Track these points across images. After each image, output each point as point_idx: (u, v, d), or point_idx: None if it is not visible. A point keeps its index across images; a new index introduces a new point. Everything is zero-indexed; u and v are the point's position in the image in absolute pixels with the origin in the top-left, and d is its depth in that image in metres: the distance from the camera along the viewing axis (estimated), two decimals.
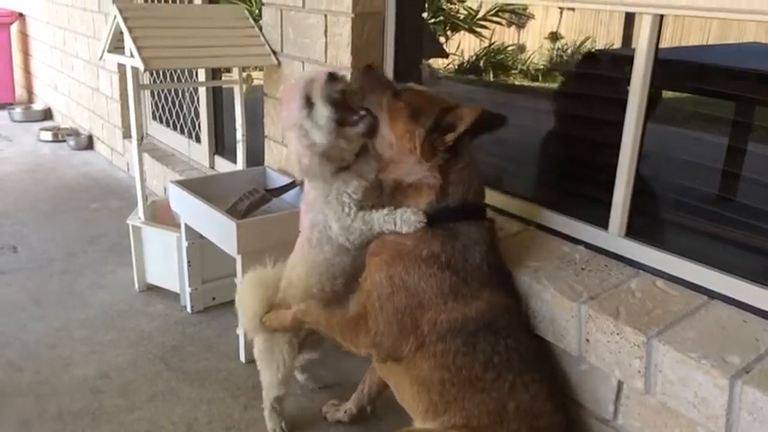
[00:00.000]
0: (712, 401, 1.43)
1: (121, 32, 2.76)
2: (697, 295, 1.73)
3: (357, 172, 1.82)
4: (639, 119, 1.82)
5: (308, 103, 1.75)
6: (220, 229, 2.40)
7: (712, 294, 1.71)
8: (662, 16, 1.74)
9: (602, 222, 1.96)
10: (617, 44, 2.54)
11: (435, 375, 1.68)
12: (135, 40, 2.66)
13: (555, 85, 4.00)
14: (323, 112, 1.73)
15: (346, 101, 1.76)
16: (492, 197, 2.27)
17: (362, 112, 1.76)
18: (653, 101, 1.83)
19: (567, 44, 4.05)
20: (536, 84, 4.23)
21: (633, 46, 1.84)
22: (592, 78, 2.37)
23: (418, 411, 1.74)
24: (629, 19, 2.35)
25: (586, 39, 3.86)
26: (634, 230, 1.91)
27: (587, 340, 1.69)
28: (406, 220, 1.72)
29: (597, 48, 3.25)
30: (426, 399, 1.70)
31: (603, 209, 1.95)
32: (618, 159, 1.89)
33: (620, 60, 2.10)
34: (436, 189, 1.72)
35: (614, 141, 1.89)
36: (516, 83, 4.50)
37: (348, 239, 1.83)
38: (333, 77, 1.76)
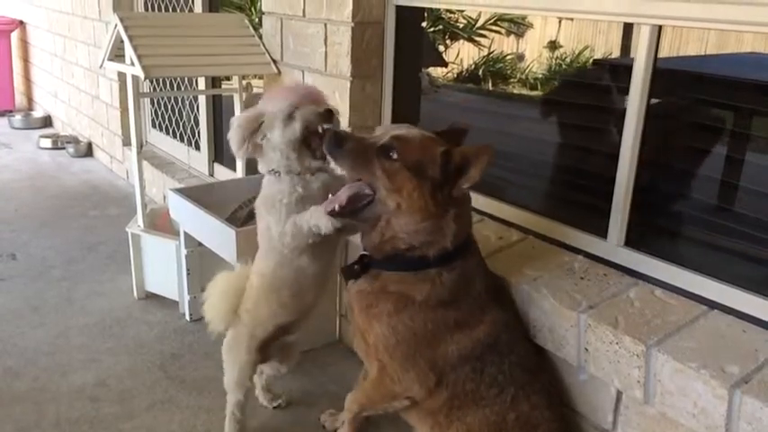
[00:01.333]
0: (711, 411, 1.43)
1: (122, 41, 2.77)
2: (696, 305, 1.73)
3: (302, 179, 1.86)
4: (638, 128, 1.82)
5: (290, 116, 1.80)
6: (220, 237, 2.40)
7: (712, 304, 1.71)
8: (660, 27, 1.75)
9: (602, 232, 1.96)
10: (615, 53, 2.55)
11: (446, 404, 1.69)
12: (135, 48, 2.67)
13: (554, 94, 4.01)
14: (294, 131, 1.80)
15: (320, 139, 1.76)
16: (491, 206, 2.29)
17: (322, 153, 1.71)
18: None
19: (565, 53, 4.07)
20: (535, 93, 4.24)
21: (632, 56, 1.85)
22: (590, 87, 2.38)
23: (423, 430, 1.76)
24: (628, 29, 2.37)
25: (585, 48, 3.87)
26: (633, 240, 1.92)
27: (586, 350, 1.69)
28: (319, 221, 1.72)
29: (596, 57, 3.27)
30: (432, 420, 1.73)
31: (602, 218, 1.96)
32: (617, 168, 1.89)
33: (619, 70, 2.11)
34: (442, 239, 1.61)
35: (614, 150, 1.89)
36: (515, 92, 4.52)
37: (283, 244, 1.84)
38: (329, 114, 1.83)
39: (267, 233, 1.91)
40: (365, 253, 1.73)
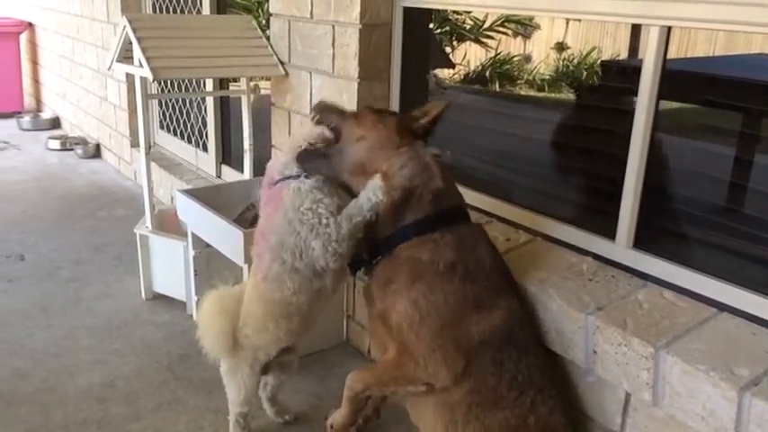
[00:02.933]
0: (721, 414, 1.43)
1: (131, 43, 2.78)
2: (705, 307, 1.72)
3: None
4: (647, 130, 1.82)
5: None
6: (227, 238, 2.41)
7: (721, 306, 1.70)
8: (669, 28, 1.74)
9: (610, 233, 1.96)
10: (623, 55, 2.54)
11: (466, 398, 1.66)
12: (144, 50, 2.68)
13: (561, 96, 4.00)
14: None
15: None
16: (499, 208, 2.28)
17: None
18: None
19: (573, 54, 4.06)
20: (542, 94, 4.23)
21: (640, 56, 1.84)
22: (598, 89, 2.38)
23: (436, 430, 1.73)
24: (636, 29, 2.36)
25: (592, 49, 3.86)
26: (642, 241, 1.91)
27: (595, 351, 1.68)
28: (376, 187, 1.71)
29: (603, 58, 3.26)
30: (447, 418, 1.69)
31: (611, 220, 1.95)
32: (625, 170, 1.88)
33: (628, 71, 2.10)
34: (436, 189, 1.74)
35: (622, 152, 1.89)
36: (522, 93, 4.51)
37: (337, 252, 1.75)
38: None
39: (280, 257, 1.82)
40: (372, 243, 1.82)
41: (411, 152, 1.75)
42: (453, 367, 1.65)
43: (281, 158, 1.88)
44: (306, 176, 1.81)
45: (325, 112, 1.89)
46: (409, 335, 1.68)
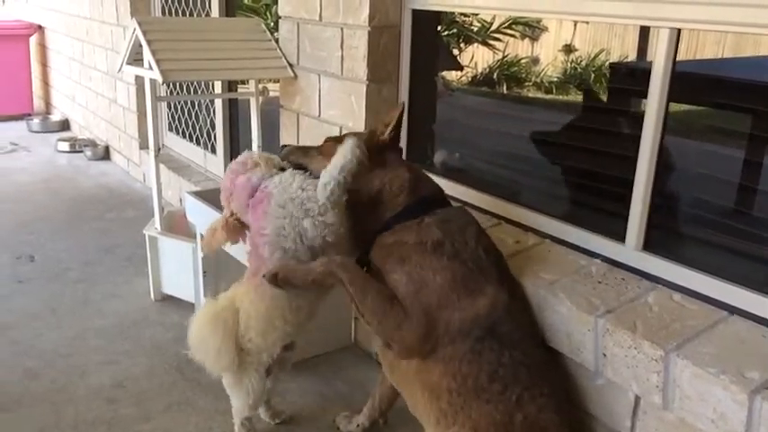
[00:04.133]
0: (731, 417, 1.42)
1: (140, 45, 2.79)
2: (716, 310, 1.71)
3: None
4: (657, 132, 1.81)
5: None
6: None
7: (731, 309, 1.70)
8: (679, 30, 1.74)
9: (620, 236, 1.95)
10: (631, 57, 2.54)
11: (443, 382, 1.67)
12: (154, 52, 2.69)
13: (569, 98, 3.99)
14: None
15: None
16: (507, 210, 2.28)
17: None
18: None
19: (581, 56, 4.06)
20: (549, 96, 4.23)
21: (649, 59, 1.84)
22: (607, 91, 2.37)
23: (430, 422, 1.73)
24: (644, 31, 2.35)
25: (600, 51, 3.86)
26: (651, 244, 1.90)
27: (604, 354, 1.68)
28: (346, 149, 1.77)
29: (612, 60, 3.25)
30: (436, 407, 1.70)
31: (620, 222, 1.95)
32: (635, 172, 1.88)
33: (637, 73, 2.10)
34: (406, 183, 1.85)
35: (631, 154, 1.89)
36: (530, 95, 4.51)
37: (325, 223, 1.79)
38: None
39: (280, 246, 1.82)
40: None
41: (385, 171, 1.88)
42: (422, 342, 1.68)
43: (256, 173, 1.95)
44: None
45: (290, 154, 2.05)
46: (404, 300, 1.70)
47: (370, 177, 1.86)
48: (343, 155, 1.77)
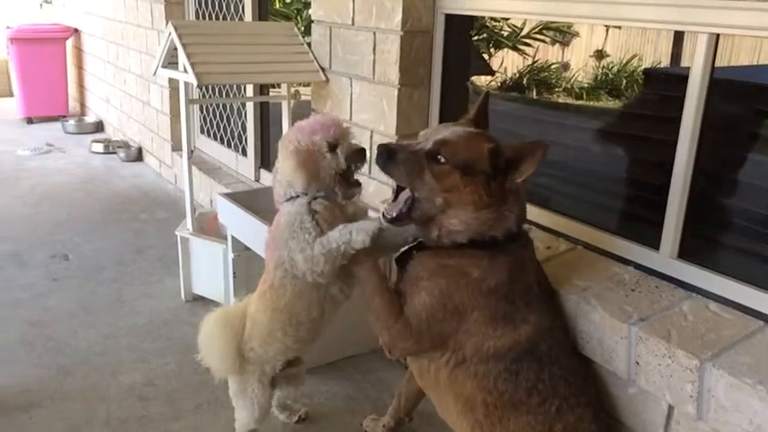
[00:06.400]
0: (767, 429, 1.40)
1: (175, 48, 2.84)
2: (752, 319, 1.68)
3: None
4: (694, 138, 1.79)
5: (332, 146, 1.80)
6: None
7: None
8: (718, 36, 1.72)
9: (654, 243, 1.93)
10: (665, 62, 2.51)
11: (479, 397, 1.67)
12: (189, 56, 2.73)
13: (600, 104, 3.96)
14: (339, 163, 1.80)
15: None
16: (540, 216, 2.27)
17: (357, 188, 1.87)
18: None
19: (612, 62, 4.02)
20: (580, 102, 4.20)
21: (684, 64, 1.82)
22: (641, 96, 2.35)
23: (464, 429, 1.73)
24: (678, 37, 2.33)
25: (633, 57, 3.82)
26: (687, 252, 1.88)
27: (637, 363, 1.66)
28: (362, 229, 1.69)
29: (646, 66, 3.22)
30: (471, 418, 1.70)
31: (654, 229, 1.92)
32: (670, 179, 1.86)
33: (673, 79, 2.08)
34: (512, 223, 1.68)
35: (667, 161, 1.86)
36: (560, 101, 4.48)
37: (314, 271, 1.75)
38: (363, 153, 1.84)
39: (281, 267, 1.83)
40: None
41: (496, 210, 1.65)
42: (429, 354, 1.69)
43: (284, 179, 1.86)
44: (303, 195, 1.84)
45: (396, 165, 1.68)
46: (422, 320, 1.66)
47: (487, 216, 1.64)
48: (367, 232, 1.68)
